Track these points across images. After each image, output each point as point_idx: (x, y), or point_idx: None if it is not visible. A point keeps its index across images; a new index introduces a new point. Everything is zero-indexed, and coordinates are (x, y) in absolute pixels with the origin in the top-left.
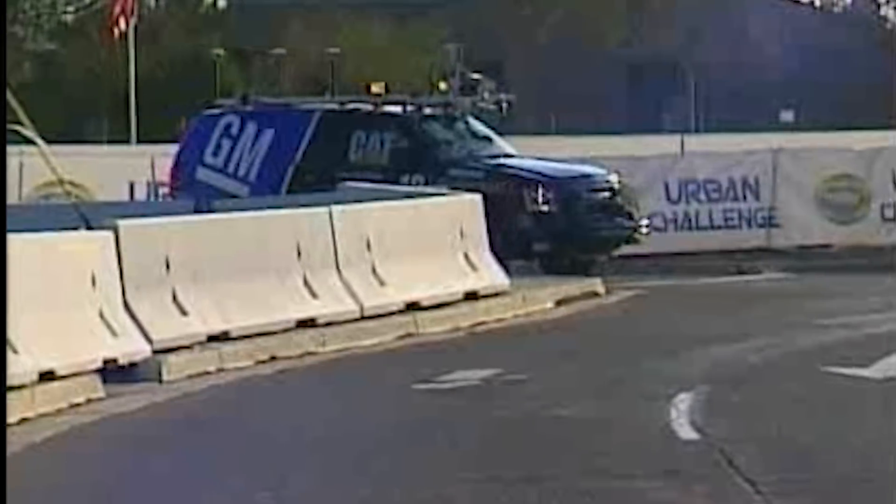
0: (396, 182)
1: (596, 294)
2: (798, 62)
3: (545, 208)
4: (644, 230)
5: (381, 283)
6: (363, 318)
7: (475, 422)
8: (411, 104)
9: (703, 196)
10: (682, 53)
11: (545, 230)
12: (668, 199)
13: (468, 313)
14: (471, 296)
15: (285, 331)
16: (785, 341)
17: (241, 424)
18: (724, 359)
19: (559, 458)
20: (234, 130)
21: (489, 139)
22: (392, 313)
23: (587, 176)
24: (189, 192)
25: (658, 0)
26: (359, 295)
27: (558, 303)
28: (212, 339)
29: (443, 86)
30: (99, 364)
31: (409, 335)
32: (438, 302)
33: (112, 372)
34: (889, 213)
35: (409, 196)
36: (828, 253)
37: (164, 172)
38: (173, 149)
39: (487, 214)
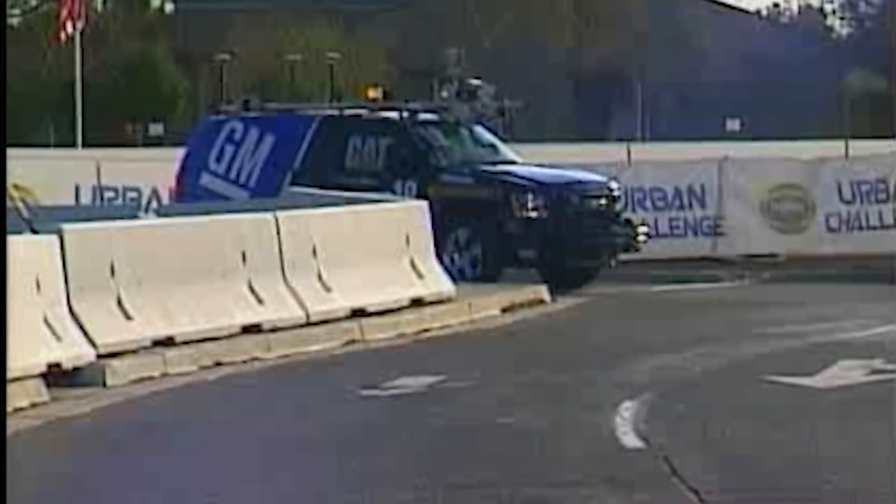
0: (390, 187)
1: (542, 301)
2: (745, 71)
3: (534, 214)
4: (641, 238)
5: (327, 289)
6: (308, 324)
7: (420, 428)
8: (407, 110)
9: (649, 204)
10: (628, 62)
11: (532, 236)
12: None
13: (414, 320)
14: (416, 302)
15: (230, 336)
16: (730, 350)
17: (184, 430)
18: (669, 367)
19: (503, 466)
20: (238, 136)
21: (494, 147)
22: (338, 319)
23: (580, 182)
24: (194, 198)
25: (605, 9)
26: (304, 301)
27: (504, 310)
28: (156, 343)
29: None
30: (43, 368)
31: (355, 341)
32: (384, 308)
33: (56, 376)
34: (834, 222)
35: (355, 202)
36: (773, 262)
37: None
38: (119, 153)
39: (477, 220)
